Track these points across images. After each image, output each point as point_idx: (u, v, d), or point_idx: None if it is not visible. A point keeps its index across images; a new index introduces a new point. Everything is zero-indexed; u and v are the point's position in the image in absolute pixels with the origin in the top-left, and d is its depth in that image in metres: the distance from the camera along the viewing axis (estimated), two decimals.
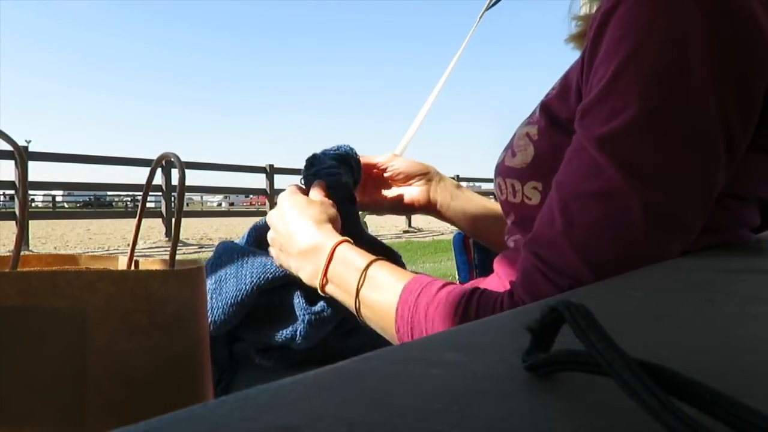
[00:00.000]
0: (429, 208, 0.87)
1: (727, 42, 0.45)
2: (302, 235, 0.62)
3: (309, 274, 0.62)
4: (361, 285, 0.57)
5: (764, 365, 0.21)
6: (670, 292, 0.36)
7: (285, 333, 0.67)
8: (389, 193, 0.88)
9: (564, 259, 0.46)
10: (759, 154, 0.52)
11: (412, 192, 0.87)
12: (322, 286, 0.61)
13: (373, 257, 0.59)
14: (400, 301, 0.54)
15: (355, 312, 0.59)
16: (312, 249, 0.61)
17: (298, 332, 0.66)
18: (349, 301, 0.59)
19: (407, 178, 0.86)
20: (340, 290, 0.60)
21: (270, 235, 0.68)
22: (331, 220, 0.65)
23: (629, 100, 0.45)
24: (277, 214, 0.67)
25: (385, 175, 0.87)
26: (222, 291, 0.68)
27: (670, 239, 0.47)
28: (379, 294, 0.56)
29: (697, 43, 0.44)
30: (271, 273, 0.68)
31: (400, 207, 0.88)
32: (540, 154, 0.58)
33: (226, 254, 0.72)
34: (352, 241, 0.62)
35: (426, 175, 0.87)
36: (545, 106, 0.58)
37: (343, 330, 0.70)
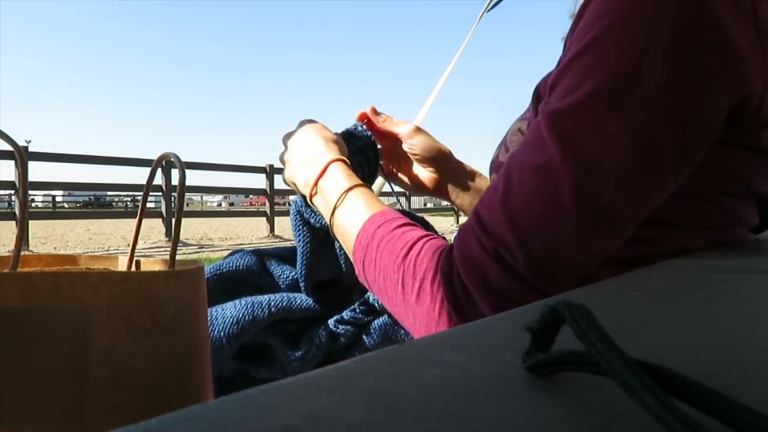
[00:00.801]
0: (440, 195, 0.87)
1: (691, 40, 0.45)
2: (307, 145, 0.67)
3: (303, 182, 0.66)
4: (339, 205, 0.61)
5: (764, 365, 0.21)
6: (670, 292, 0.36)
7: (272, 372, 0.68)
8: (404, 166, 0.87)
9: (495, 223, 0.47)
10: (741, 151, 0.52)
11: (423, 175, 0.86)
12: (311, 196, 0.65)
13: (357, 182, 0.62)
14: (362, 228, 0.58)
15: (329, 227, 0.63)
16: (310, 159, 0.65)
17: (286, 372, 0.67)
18: (327, 216, 0.63)
19: (421, 161, 0.85)
20: (324, 204, 0.63)
21: (282, 155, 0.71)
22: (338, 144, 0.68)
23: (584, 81, 0.45)
24: (292, 133, 0.71)
25: (403, 147, 0.85)
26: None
27: (598, 226, 0.46)
28: (350, 216, 0.60)
29: (662, 36, 0.44)
30: (242, 324, 0.67)
31: (412, 185, 0.88)
32: None
33: (216, 288, 0.72)
34: (348, 162, 0.65)
35: (440, 163, 0.85)
36: (536, 92, 0.59)
37: (339, 345, 0.70)
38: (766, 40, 0.47)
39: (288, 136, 0.71)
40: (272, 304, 0.68)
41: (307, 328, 0.70)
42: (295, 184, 0.68)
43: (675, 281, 0.40)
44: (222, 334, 0.65)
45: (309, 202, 0.66)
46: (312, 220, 0.69)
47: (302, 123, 0.72)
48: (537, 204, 0.45)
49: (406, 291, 0.53)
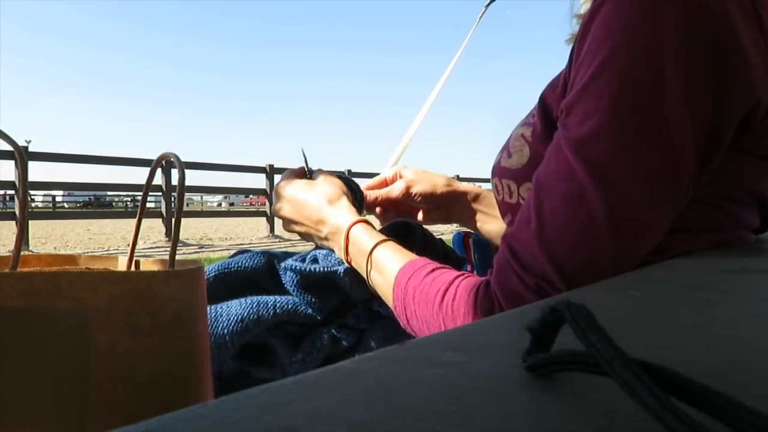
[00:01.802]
0: (457, 222, 0.89)
1: (704, 49, 0.45)
2: (326, 218, 0.69)
3: (339, 253, 0.69)
4: (370, 269, 0.63)
5: (764, 365, 0.21)
6: (670, 292, 0.36)
7: (272, 373, 0.68)
8: (414, 212, 0.88)
9: (533, 258, 0.47)
10: (749, 158, 0.53)
11: (435, 214, 0.88)
12: (349, 264, 0.67)
13: (379, 239, 0.64)
14: (395, 284, 0.59)
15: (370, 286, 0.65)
16: (334, 231, 0.68)
17: (286, 373, 0.67)
18: (366, 280, 0.65)
19: (429, 208, 0.86)
20: (360, 270, 0.66)
21: (293, 227, 0.74)
22: (341, 193, 0.71)
23: (603, 104, 0.46)
24: (288, 205, 0.73)
25: (408, 200, 0.85)
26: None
27: (635, 242, 0.47)
28: (382, 277, 0.62)
29: (674, 49, 0.44)
30: (246, 322, 0.67)
31: (431, 220, 0.89)
32: (535, 155, 0.58)
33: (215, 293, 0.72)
34: (365, 219, 0.68)
35: (446, 201, 0.86)
36: (542, 100, 0.59)
37: (340, 349, 0.70)
38: None
39: (279, 190, 0.74)
40: (278, 305, 0.68)
41: (310, 332, 0.70)
42: (319, 242, 0.72)
43: (675, 281, 0.40)
44: (226, 331, 0.66)
45: (346, 260, 0.68)
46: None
47: (290, 178, 0.75)
48: (573, 234, 0.46)
49: (436, 321, 0.54)
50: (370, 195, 0.83)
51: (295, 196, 0.73)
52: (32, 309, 0.40)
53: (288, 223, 0.75)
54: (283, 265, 0.72)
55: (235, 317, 0.66)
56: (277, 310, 0.68)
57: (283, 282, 0.71)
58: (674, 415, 0.13)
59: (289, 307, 0.68)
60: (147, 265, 0.55)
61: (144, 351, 0.42)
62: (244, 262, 0.74)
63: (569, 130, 0.48)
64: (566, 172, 0.47)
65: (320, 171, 0.77)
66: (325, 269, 0.69)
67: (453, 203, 0.86)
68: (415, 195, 0.83)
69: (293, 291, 0.70)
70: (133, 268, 0.55)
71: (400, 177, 0.85)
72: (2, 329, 0.40)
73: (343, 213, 0.69)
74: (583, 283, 0.45)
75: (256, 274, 0.73)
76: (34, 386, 0.40)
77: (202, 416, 0.16)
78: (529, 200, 0.50)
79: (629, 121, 0.45)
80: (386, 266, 0.61)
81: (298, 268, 0.69)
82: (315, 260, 0.72)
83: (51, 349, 0.40)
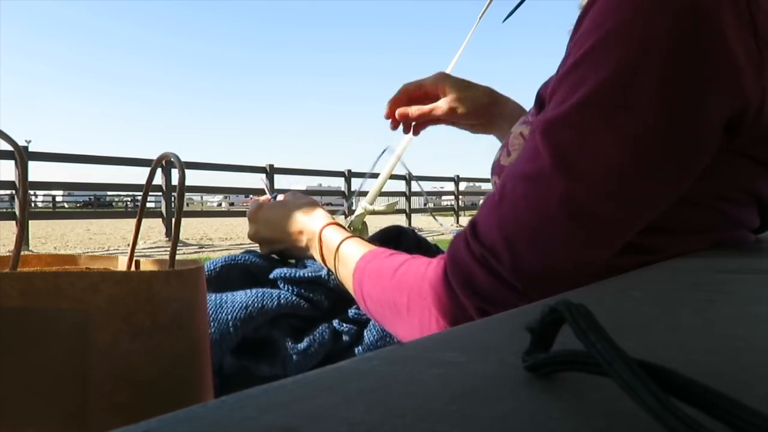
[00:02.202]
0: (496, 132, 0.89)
1: (689, 49, 0.44)
2: (303, 227, 0.71)
3: (317, 257, 0.71)
4: (337, 264, 0.66)
5: (764, 365, 0.21)
6: (670, 292, 0.36)
7: (272, 368, 0.68)
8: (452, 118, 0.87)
9: (488, 231, 0.47)
10: (743, 159, 0.52)
11: (476, 129, 0.88)
12: (325, 266, 0.69)
13: (345, 235, 0.66)
14: (355, 268, 0.61)
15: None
16: (311, 237, 0.70)
17: (286, 367, 0.67)
18: (336, 277, 0.68)
19: (475, 123, 0.86)
20: (331, 268, 0.68)
21: (274, 247, 0.76)
22: (313, 202, 0.75)
23: (578, 90, 0.45)
24: (264, 227, 0.76)
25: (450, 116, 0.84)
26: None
27: (587, 237, 0.46)
28: (346, 268, 0.64)
29: (659, 46, 0.44)
30: (250, 310, 0.68)
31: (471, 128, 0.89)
32: None
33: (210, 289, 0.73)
34: (334, 221, 0.70)
35: (484, 121, 0.85)
36: (538, 96, 0.59)
37: (342, 345, 0.70)
38: (765, 49, 0.47)
39: (259, 217, 0.77)
40: (282, 297, 0.69)
41: (311, 326, 0.70)
42: (295, 249, 0.74)
43: (675, 281, 0.40)
44: (230, 317, 0.66)
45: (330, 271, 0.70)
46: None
47: (261, 205, 0.78)
48: (527, 213, 0.46)
49: (399, 308, 0.54)
50: (413, 111, 0.82)
51: (269, 216, 0.76)
52: (32, 309, 0.40)
53: (268, 244, 0.77)
54: (274, 273, 0.73)
55: (240, 305, 0.67)
56: (281, 301, 0.69)
57: (279, 287, 0.72)
58: (674, 415, 0.13)
59: (293, 299, 0.70)
60: (147, 265, 0.55)
61: (144, 351, 0.42)
62: (251, 257, 0.76)
63: (545, 113, 0.48)
64: (532, 151, 0.47)
65: (282, 191, 0.81)
66: (311, 274, 0.71)
67: (495, 117, 0.85)
68: (460, 114, 0.81)
69: (289, 293, 0.71)
70: (133, 268, 0.55)
71: (443, 93, 0.83)
72: (2, 329, 0.40)
73: (317, 219, 0.71)
74: (529, 265, 0.45)
75: (261, 271, 0.74)
76: (35, 386, 0.40)
77: (202, 416, 0.16)
78: (502, 178, 0.50)
79: (601, 113, 0.44)
80: (350, 257, 0.63)
81: (287, 274, 0.71)
82: (304, 266, 0.74)
83: (51, 349, 0.40)
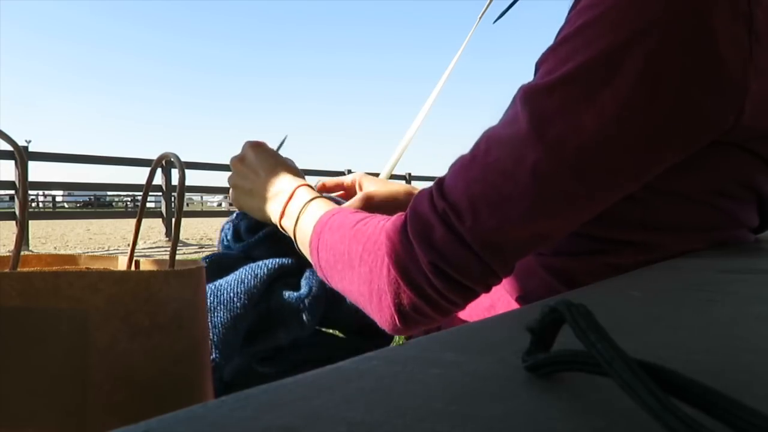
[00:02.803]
0: None
1: (677, 39, 0.44)
2: (272, 175, 0.70)
3: (273, 213, 0.68)
4: (301, 215, 0.64)
5: (764, 365, 0.21)
6: (670, 292, 0.36)
7: (288, 332, 0.68)
8: None
9: (453, 187, 0.47)
10: (737, 151, 0.52)
11: None
12: (280, 218, 0.67)
13: (317, 195, 0.66)
14: (318, 221, 0.60)
15: (294, 241, 0.66)
16: (279, 189, 0.68)
17: (302, 326, 0.67)
18: (291, 231, 0.66)
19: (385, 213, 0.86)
20: (289, 221, 0.66)
21: (235, 181, 0.74)
22: (297, 170, 0.73)
23: (565, 64, 0.46)
24: (241, 157, 0.74)
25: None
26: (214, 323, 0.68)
27: (548, 208, 0.46)
28: (309, 219, 0.62)
29: (648, 31, 0.44)
30: (246, 281, 0.68)
31: None
32: None
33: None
34: (311, 186, 0.70)
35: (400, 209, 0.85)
36: (535, 67, 0.59)
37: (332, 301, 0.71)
38: (756, 45, 0.47)
39: (239, 162, 0.74)
40: (268, 262, 0.70)
41: (301, 274, 0.72)
42: (261, 211, 0.70)
43: (675, 281, 0.40)
44: (232, 294, 0.67)
45: (279, 226, 0.68)
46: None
47: (251, 147, 0.74)
48: (495, 175, 0.46)
49: (353, 258, 0.54)
50: (329, 182, 0.84)
51: (254, 160, 0.73)
52: (31, 309, 0.40)
53: (240, 192, 0.74)
54: (243, 245, 0.74)
55: (234, 279, 0.68)
56: (269, 265, 0.69)
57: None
58: (674, 415, 0.13)
59: (277, 262, 0.70)
60: (147, 265, 0.55)
61: (143, 351, 0.42)
62: (235, 251, 0.76)
63: (530, 81, 0.48)
64: (512, 116, 0.47)
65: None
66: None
67: None
68: (376, 206, 0.78)
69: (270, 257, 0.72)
70: (133, 268, 0.55)
71: (360, 188, 0.83)
72: (2, 329, 0.40)
73: (298, 179, 0.70)
74: (488, 228, 0.45)
75: (235, 263, 0.75)
76: (34, 386, 0.40)
77: (202, 416, 0.16)
78: (478, 138, 0.51)
79: (584, 89, 0.45)
80: (317, 210, 0.62)
81: (260, 235, 0.72)
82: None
83: (50, 349, 0.40)
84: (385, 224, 0.52)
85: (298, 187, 0.67)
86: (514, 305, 0.61)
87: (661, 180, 0.49)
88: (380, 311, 0.51)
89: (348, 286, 0.56)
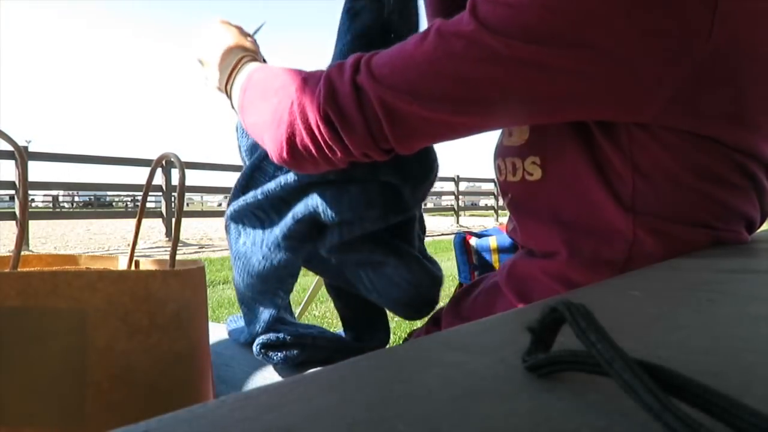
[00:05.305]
0: None
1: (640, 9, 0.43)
2: (225, 46, 0.71)
3: (221, 81, 0.70)
4: (241, 66, 0.67)
5: (764, 365, 0.21)
6: (670, 292, 0.36)
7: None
8: None
9: (367, 62, 0.52)
10: (740, 129, 0.50)
11: None
12: (227, 85, 0.69)
13: (260, 61, 0.69)
14: (260, 67, 0.64)
15: (230, 99, 0.69)
16: (229, 64, 0.70)
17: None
18: (232, 90, 0.68)
19: None
20: (231, 83, 0.68)
21: (201, 57, 0.75)
22: (253, 44, 0.74)
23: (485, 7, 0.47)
24: (210, 40, 0.74)
25: None
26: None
27: (428, 105, 0.48)
28: (247, 69, 0.66)
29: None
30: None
31: None
32: (536, 128, 0.58)
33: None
34: (261, 57, 0.72)
35: None
36: None
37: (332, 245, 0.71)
38: (718, 25, 0.45)
39: (205, 35, 0.75)
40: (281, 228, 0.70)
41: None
42: (217, 81, 0.72)
43: (675, 281, 0.40)
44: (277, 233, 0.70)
45: (226, 94, 0.70)
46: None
47: (219, 22, 0.76)
48: (399, 59, 0.50)
49: (268, 91, 0.58)
50: None
51: (218, 31, 0.74)
52: (30, 308, 0.40)
53: (204, 59, 0.75)
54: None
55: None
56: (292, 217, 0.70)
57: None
58: (674, 415, 0.13)
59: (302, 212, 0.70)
60: (147, 265, 0.55)
61: (142, 350, 0.42)
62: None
63: (450, 19, 0.49)
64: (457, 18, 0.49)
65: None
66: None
67: None
68: None
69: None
70: (133, 268, 0.55)
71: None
72: (1, 328, 0.40)
73: (255, 49, 0.72)
74: (375, 95, 0.50)
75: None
76: (33, 385, 0.40)
77: (202, 416, 0.16)
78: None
79: (495, 35, 0.45)
80: (252, 67, 0.65)
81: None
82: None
83: (49, 348, 0.40)
84: (311, 70, 0.57)
85: (245, 56, 0.69)
86: (513, 305, 0.61)
87: (647, 159, 0.49)
88: (275, 139, 0.56)
89: (257, 117, 0.59)
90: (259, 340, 0.70)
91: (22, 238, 0.46)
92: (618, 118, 0.50)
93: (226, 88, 0.69)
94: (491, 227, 0.96)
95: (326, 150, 0.54)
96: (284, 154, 0.56)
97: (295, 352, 0.69)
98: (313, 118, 0.53)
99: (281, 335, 0.70)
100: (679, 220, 0.52)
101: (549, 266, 0.57)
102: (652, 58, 0.45)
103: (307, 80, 0.55)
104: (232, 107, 0.70)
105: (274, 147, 0.57)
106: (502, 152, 0.64)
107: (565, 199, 0.56)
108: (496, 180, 0.68)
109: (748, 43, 0.48)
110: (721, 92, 0.49)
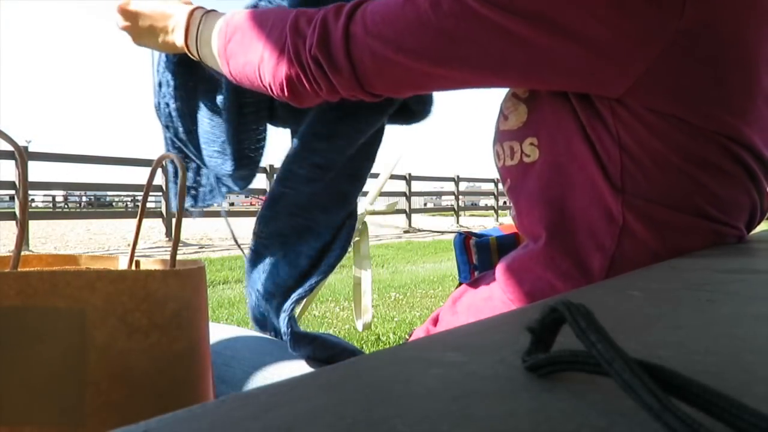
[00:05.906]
0: None
1: None
2: (170, 13, 0.72)
3: (177, 39, 0.71)
4: (202, 23, 0.68)
5: (764, 365, 0.21)
6: (670, 292, 0.36)
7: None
8: None
9: (356, 6, 0.56)
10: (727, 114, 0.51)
11: None
12: (185, 41, 0.70)
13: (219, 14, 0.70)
14: (231, 14, 0.66)
15: (198, 54, 0.70)
16: (177, 22, 0.71)
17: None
18: (195, 40, 0.70)
19: None
20: (192, 38, 0.70)
21: (127, 26, 0.75)
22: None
23: None
24: (139, 8, 0.75)
25: None
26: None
27: (415, 48, 0.52)
28: (213, 19, 0.68)
29: None
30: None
31: None
32: (534, 109, 0.58)
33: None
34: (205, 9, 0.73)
35: None
36: None
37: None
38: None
39: (127, 7, 0.75)
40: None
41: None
42: (165, 44, 0.73)
43: (675, 281, 0.40)
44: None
45: (188, 52, 0.71)
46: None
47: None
48: (398, 10, 0.53)
49: (261, 30, 0.61)
50: None
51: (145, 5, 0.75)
52: (30, 308, 0.40)
53: (137, 35, 0.76)
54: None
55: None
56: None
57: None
58: (674, 415, 0.13)
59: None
60: (147, 265, 0.55)
61: (141, 350, 0.42)
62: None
63: None
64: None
65: None
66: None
67: None
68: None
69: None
70: (133, 268, 0.55)
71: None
72: (0, 328, 0.40)
73: (185, 5, 0.73)
74: (364, 43, 0.54)
75: None
76: (32, 384, 0.40)
77: (202, 416, 0.16)
78: None
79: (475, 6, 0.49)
80: (222, 14, 0.67)
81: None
82: None
83: (48, 348, 0.40)
84: (306, 9, 0.61)
85: (195, 9, 0.70)
86: (511, 302, 0.61)
87: (632, 139, 0.50)
88: (272, 74, 0.60)
89: (251, 56, 0.62)
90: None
91: (22, 238, 0.46)
92: (590, 90, 0.52)
93: (186, 42, 0.70)
94: (491, 227, 0.96)
95: (316, 87, 0.58)
96: (284, 89, 0.60)
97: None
98: (304, 57, 0.57)
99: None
100: (669, 205, 0.52)
101: (538, 253, 0.57)
102: (622, 35, 0.47)
103: (299, 18, 0.59)
104: (195, 57, 0.71)
105: (272, 81, 0.60)
106: (499, 137, 0.64)
107: (558, 177, 0.56)
108: (495, 167, 0.68)
109: (727, 26, 0.49)
110: (701, 74, 0.50)
